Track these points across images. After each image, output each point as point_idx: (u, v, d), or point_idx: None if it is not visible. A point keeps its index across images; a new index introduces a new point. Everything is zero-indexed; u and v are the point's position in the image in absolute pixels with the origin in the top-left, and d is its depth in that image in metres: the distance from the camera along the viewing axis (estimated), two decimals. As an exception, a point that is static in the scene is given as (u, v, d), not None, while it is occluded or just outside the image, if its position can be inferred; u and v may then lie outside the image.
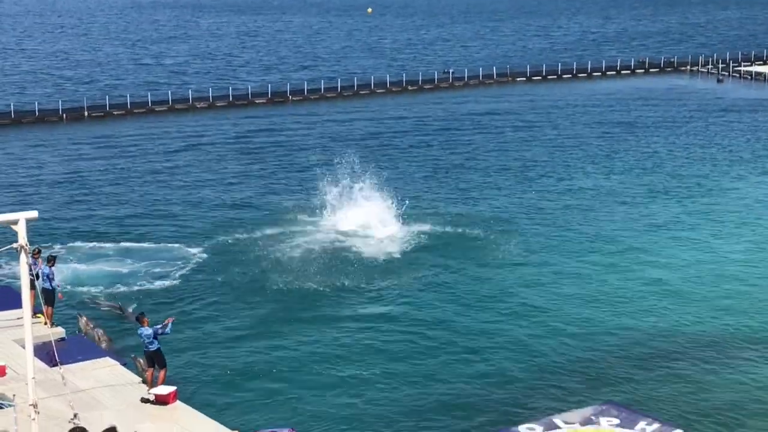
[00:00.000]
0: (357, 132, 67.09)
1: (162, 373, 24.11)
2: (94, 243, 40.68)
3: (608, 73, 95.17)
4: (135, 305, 32.32)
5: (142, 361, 25.08)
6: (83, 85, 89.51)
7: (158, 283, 35.62)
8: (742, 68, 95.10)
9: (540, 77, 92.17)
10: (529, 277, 36.42)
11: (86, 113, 73.49)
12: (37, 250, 28.19)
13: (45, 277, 26.82)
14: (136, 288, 35.05)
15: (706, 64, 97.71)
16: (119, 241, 40.87)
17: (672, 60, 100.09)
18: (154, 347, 24.06)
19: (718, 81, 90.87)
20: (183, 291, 34.93)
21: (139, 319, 24.52)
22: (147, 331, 23.98)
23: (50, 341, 23.62)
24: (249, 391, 26.93)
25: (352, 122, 71.17)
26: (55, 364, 23.35)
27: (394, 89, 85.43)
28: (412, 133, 66.22)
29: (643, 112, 74.03)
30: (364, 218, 42.76)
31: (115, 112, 74.35)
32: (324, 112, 75.94)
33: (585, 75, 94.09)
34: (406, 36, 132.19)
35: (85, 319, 29.80)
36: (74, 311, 31.21)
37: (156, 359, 24.09)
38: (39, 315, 27.04)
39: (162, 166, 56.62)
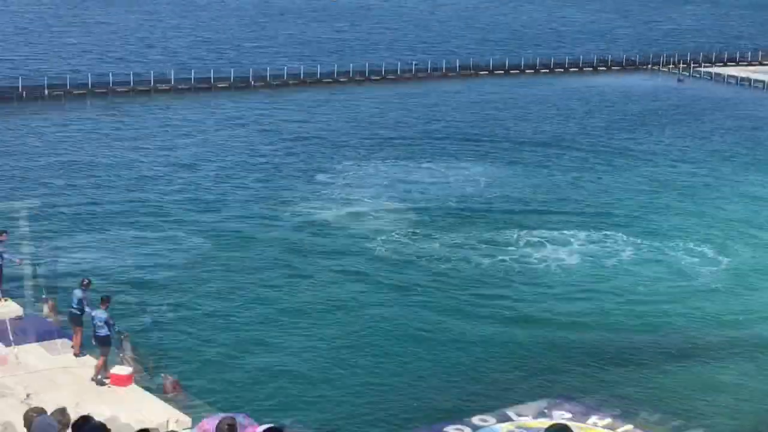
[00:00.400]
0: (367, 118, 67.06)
1: (101, 359, 23.84)
2: (97, 230, 40.32)
3: (571, 69, 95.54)
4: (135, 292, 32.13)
5: (171, 378, 24.79)
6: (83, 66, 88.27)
7: (159, 271, 35.26)
8: (702, 68, 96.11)
9: (502, 71, 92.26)
10: (487, 270, 36.58)
11: (89, 102, 72.32)
12: (2, 231, 28.28)
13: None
14: (133, 275, 34.72)
15: (667, 63, 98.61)
16: (123, 230, 40.57)
17: (634, 59, 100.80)
18: (103, 333, 23.78)
19: (679, 81, 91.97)
20: (180, 279, 34.50)
21: (102, 300, 24.13)
22: (102, 314, 23.73)
23: (5, 320, 23.49)
24: (209, 375, 26.94)
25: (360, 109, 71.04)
26: (9, 344, 23.25)
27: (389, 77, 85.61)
28: (411, 125, 65.88)
29: (607, 109, 74.48)
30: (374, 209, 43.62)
31: (118, 96, 73.45)
32: (327, 98, 75.36)
33: (547, 71, 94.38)
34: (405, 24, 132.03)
35: (51, 303, 29.39)
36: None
37: (103, 345, 23.86)
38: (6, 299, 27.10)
39: (168, 151, 56.02)
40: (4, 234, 28.99)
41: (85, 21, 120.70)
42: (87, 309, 24.87)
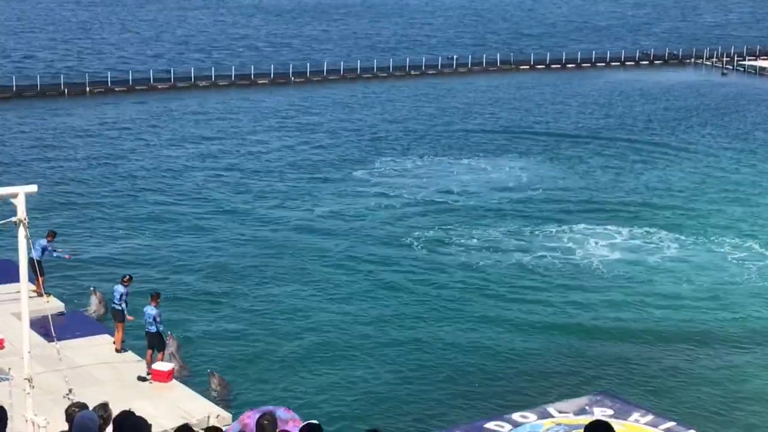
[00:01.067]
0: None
1: (160, 355, 24.17)
2: (135, 225, 40.77)
3: (612, 64, 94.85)
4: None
5: (217, 377, 24.93)
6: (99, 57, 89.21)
7: (196, 268, 35.37)
8: (746, 62, 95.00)
9: (543, 65, 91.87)
10: (528, 266, 36.38)
11: (130, 98, 73.21)
12: (51, 232, 28.99)
13: (40, 248, 26.92)
14: (171, 271, 34.88)
15: (710, 57, 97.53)
16: (160, 224, 40.96)
17: (676, 53, 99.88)
18: (153, 329, 24.07)
19: (723, 74, 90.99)
20: (218, 277, 34.59)
21: (152, 296, 24.45)
22: (152, 310, 23.98)
23: (47, 316, 23.68)
24: (250, 371, 26.97)
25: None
26: (52, 339, 23.41)
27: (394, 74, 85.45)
28: (450, 120, 65.76)
29: (649, 104, 73.81)
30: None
31: (159, 92, 74.12)
32: (366, 94, 75.38)
33: (589, 65, 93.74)
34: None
35: (99, 294, 29.64)
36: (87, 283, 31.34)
37: (155, 342, 24.14)
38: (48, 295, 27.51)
39: (208, 146, 56.49)
40: (52, 235, 29.30)
41: (122, 19, 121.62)
42: (124, 305, 25.21)
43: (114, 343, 25.64)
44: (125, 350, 25.54)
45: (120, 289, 25.40)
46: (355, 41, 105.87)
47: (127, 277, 25.90)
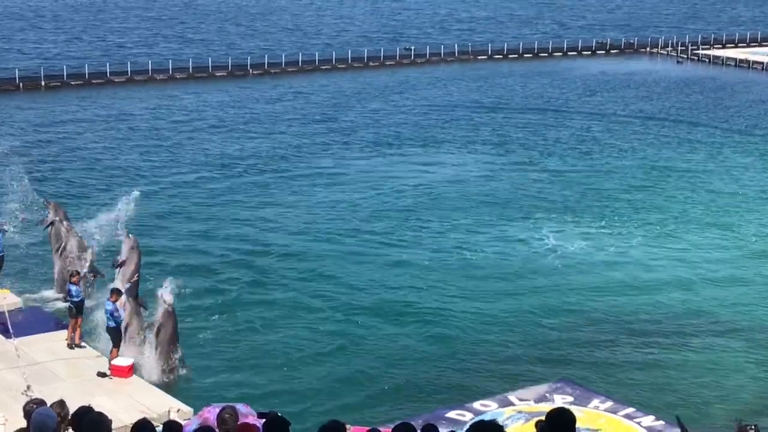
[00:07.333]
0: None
1: (114, 350, 23.99)
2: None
3: (570, 53, 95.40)
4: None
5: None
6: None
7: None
8: (700, 51, 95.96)
9: (501, 56, 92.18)
10: (485, 256, 36.50)
11: (86, 92, 72.39)
12: None
13: None
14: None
15: (665, 46, 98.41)
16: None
17: (632, 42, 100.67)
18: (111, 324, 23.90)
19: (678, 63, 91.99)
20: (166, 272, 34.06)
21: (111, 292, 24.23)
22: (110, 306, 23.80)
23: (4, 312, 23.49)
24: (208, 368, 26.86)
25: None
26: (10, 336, 23.24)
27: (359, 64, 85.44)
28: (387, 114, 65.95)
29: (606, 93, 74.38)
30: None
31: (115, 86, 73.45)
32: (291, 85, 75.48)
33: (546, 55, 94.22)
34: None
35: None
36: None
37: (117, 337, 24.00)
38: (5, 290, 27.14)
39: (159, 141, 56.07)
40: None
41: (72, 16, 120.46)
42: (75, 300, 25.07)
43: (73, 338, 25.42)
44: (83, 346, 25.33)
45: (70, 287, 25.25)
46: (308, 34, 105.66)
47: (73, 271, 25.64)
